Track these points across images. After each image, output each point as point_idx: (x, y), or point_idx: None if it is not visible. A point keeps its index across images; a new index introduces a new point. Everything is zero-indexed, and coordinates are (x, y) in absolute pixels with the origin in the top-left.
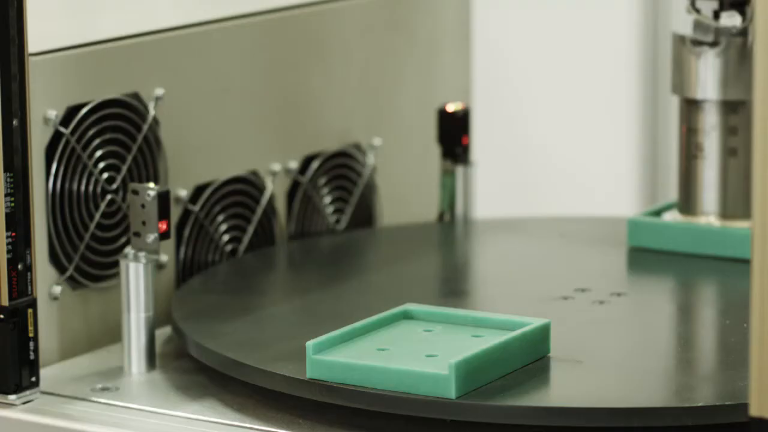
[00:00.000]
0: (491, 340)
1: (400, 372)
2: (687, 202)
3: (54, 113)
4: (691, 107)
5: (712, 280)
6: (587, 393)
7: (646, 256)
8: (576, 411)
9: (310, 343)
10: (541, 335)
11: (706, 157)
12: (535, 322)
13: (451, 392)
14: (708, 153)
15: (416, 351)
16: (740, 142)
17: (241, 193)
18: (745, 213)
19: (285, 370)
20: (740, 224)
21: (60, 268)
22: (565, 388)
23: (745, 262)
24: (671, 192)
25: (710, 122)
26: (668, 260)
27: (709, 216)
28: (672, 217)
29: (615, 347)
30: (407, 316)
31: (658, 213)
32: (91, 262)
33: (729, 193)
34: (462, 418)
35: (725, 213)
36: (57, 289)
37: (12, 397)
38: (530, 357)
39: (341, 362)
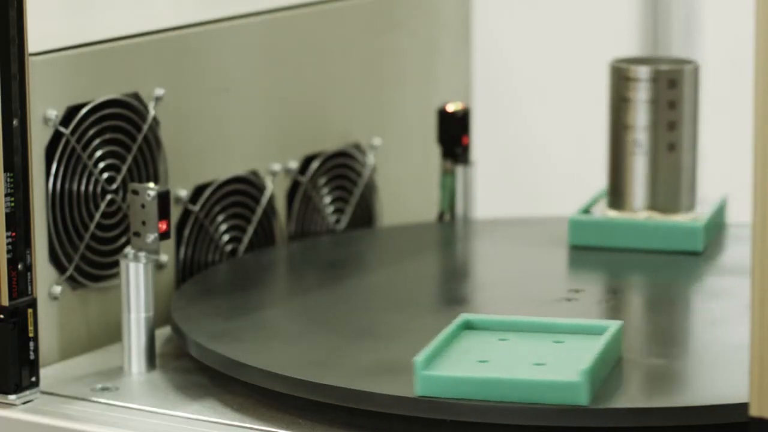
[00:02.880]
0: (582, 344)
1: (526, 383)
2: (618, 197)
3: (54, 113)
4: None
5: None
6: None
7: (643, 257)
8: (575, 411)
9: (418, 360)
10: (620, 336)
11: (643, 153)
12: (613, 324)
13: (584, 399)
14: (639, 148)
15: (516, 360)
16: (677, 137)
17: (241, 193)
18: (676, 207)
19: (286, 371)
20: (677, 217)
21: (60, 268)
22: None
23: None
24: None
25: (642, 119)
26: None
27: (639, 211)
28: (601, 212)
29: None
30: (468, 326)
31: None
32: (91, 262)
33: (660, 187)
34: (596, 425)
35: (656, 207)
36: (57, 289)
37: (12, 397)
38: (616, 359)
39: (456, 377)
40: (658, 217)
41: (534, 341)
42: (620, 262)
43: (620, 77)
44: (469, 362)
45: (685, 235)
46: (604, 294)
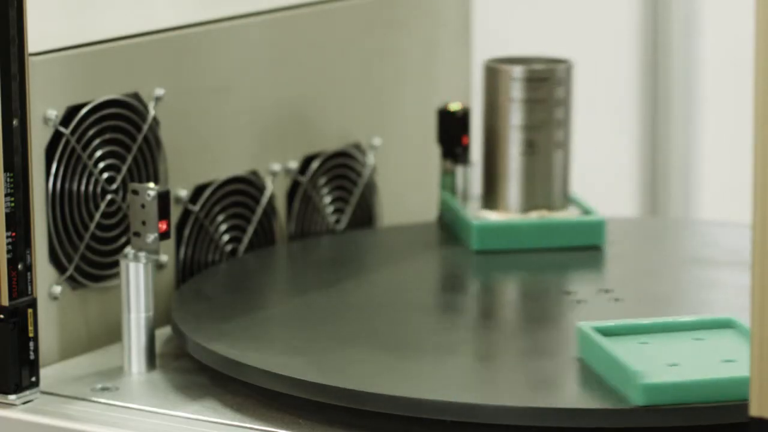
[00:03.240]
0: (722, 340)
1: (743, 380)
2: (493, 197)
3: (54, 113)
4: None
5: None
6: (586, 393)
7: (643, 257)
8: (575, 412)
9: (638, 370)
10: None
11: (519, 153)
12: (722, 316)
13: None
14: (514, 147)
15: (702, 360)
16: (551, 137)
17: (241, 193)
18: (551, 205)
19: (286, 371)
20: (561, 215)
21: (60, 268)
22: (563, 388)
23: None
24: (672, 192)
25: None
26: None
27: (511, 211)
28: (473, 213)
29: None
30: (606, 333)
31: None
32: (91, 262)
33: (536, 186)
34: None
35: (533, 206)
36: (57, 289)
37: (12, 397)
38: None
39: (682, 383)
40: (547, 216)
41: (674, 341)
42: (532, 262)
43: (493, 77)
44: (662, 367)
45: (589, 230)
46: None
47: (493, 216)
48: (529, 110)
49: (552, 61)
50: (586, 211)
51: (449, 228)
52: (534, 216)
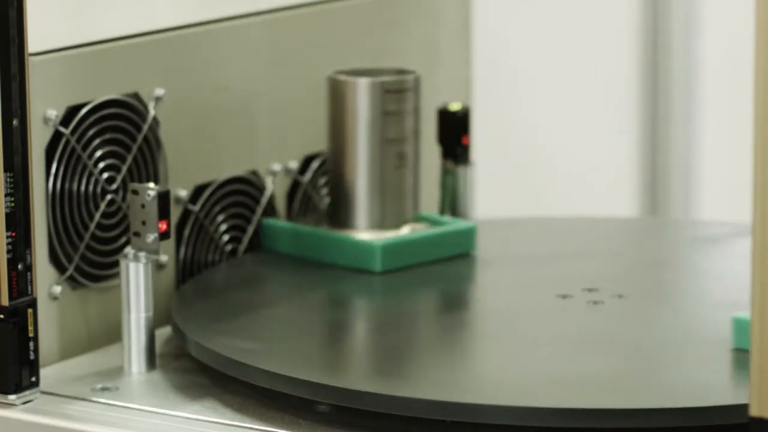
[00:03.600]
0: None
1: None
2: (337, 214)
3: (54, 113)
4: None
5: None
6: (586, 393)
7: (645, 258)
8: (576, 412)
9: None
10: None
11: (365, 169)
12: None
13: None
14: (361, 163)
15: None
16: (397, 152)
17: (241, 193)
18: (396, 223)
19: (286, 371)
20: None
21: (60, 268)
22: (564, 388)
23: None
24: (672, 192)
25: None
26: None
27: (374, 228)
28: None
29: (614, 347)
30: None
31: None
32: (91, 262)
33: (382, 204)
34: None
35: (377, 225)
36: (57, 289)
37: (12, 397)
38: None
39: None
40: (420, 229)
41: None
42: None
43: (337, 90)
44: None
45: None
46: (610, 295)
47: (377, 235)
48: (373, 123)
49: (400, 72)
50: (442, 222)
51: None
52: (408, 230)
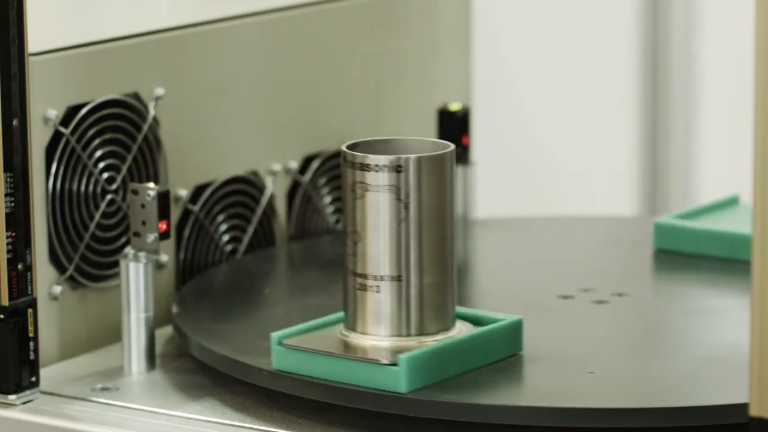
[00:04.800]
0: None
1: None
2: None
3: (54, 113)
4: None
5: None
6: (587, 393)
7: (646, 257)
8: (576, 412)
9: None
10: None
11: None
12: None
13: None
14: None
15: None
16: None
17: (241, 193)
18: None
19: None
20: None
21: (60, 268)
22: (565, 389)
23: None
24: (672, 192)
25: None
26: (676, 262)
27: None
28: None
29: (615, 347)
30: None
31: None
32: (91, 262)
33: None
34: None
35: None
36: (57, 289)
37: (12, 397)
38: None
39: None
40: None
41: None
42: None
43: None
44: None
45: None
46: (610, 294)
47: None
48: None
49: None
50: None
51: None
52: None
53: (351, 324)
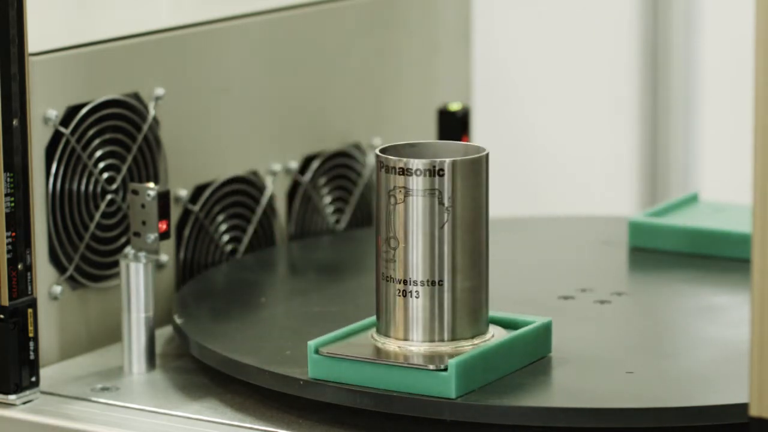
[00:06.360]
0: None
1: None
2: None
3: (54, 113)
4: None
5: (710, 280)
6: (588, 393)
7: (646, 256)
8: (577, 411)
9: None
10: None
11: None
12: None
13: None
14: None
15: None
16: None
17: (241, 193)
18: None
19: (285, 371)
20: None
21: (60, 268)
22: (566, 389)
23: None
24: (671, 192)
25: None
26: (669, 260)
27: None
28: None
29: (616, 347)
30: None
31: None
32: (91, 262)
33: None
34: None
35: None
36: (57, 289)
37: (12, 397)
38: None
39: None
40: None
41: None
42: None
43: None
44: None
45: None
46: (610, 294)
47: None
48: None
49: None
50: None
51: None
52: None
53: (384, 329)
